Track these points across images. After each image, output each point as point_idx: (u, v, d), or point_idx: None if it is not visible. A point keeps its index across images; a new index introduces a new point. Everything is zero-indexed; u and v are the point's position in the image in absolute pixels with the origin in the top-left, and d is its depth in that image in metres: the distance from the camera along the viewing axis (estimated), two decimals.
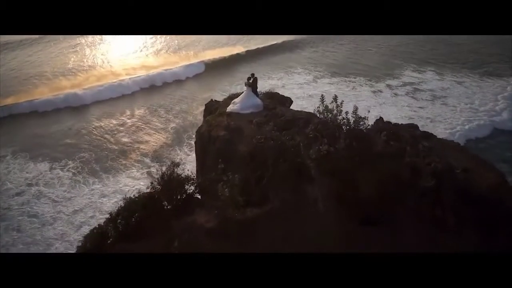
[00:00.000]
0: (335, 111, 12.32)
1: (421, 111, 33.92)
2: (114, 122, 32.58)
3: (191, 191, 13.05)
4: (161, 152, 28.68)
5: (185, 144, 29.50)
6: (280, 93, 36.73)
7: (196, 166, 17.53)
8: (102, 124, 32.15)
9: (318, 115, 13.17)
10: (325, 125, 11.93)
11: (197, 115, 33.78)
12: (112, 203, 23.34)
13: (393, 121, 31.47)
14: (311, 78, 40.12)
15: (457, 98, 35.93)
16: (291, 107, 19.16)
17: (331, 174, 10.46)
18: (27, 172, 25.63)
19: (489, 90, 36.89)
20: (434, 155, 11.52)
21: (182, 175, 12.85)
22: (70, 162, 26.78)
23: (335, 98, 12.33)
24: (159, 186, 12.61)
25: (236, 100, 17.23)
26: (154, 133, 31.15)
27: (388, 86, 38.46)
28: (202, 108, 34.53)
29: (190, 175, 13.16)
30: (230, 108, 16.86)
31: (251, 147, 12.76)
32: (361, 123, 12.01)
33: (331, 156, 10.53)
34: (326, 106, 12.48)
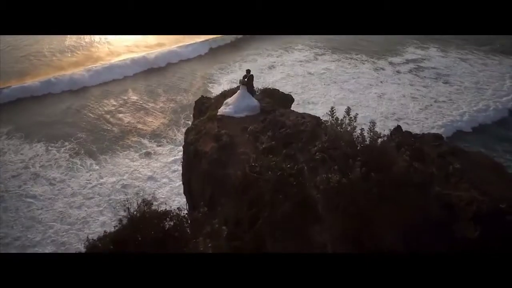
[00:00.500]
0: (348, 128, 10.02)
1: (424, 90, 33.28)
2: (112, 102, 32.03)
3: (170, 226, 10.26)
4: (159, 133, 28.32)
5: (182, 124, 29.10)
6: (280, 71, 36.46)
7: (183, 184, 15.74)
8: (99, 104, 31.58)
9: (325, 122, 11.19)
10: (334, 143, 9.63)
11: (197, 92, 33.29)
12: (110, 185, 23.27)
13: (396, 100, 31.61)
14: (312, 56, 39.23)
15: (462, 76, 35.18)
16: (292, 107, 17.54)
17: (343, 212, 8.33)
18: (22, 154, 25.34)
19: (496, 69, 36.07)
20: (467, 180, 9.46)
21: (160, 210, 10.42)
22: (66, 143, 26.45)
23: (348, 111, 10.23)
24: (128, 224, 10.17)
25: (229, 100, 15.28)
26: (153, 113, 30.71)
27: (391, 63, 37.63)
28: (202, 86, 34.36)
29: (169, 210, 10.55)
30: (222, 110, 14.88)
31: (244, 172, 10.40)
32: (379, 140, 9.91)
33: (343, 188, 8.38)
34: (337, 119, 10.27)
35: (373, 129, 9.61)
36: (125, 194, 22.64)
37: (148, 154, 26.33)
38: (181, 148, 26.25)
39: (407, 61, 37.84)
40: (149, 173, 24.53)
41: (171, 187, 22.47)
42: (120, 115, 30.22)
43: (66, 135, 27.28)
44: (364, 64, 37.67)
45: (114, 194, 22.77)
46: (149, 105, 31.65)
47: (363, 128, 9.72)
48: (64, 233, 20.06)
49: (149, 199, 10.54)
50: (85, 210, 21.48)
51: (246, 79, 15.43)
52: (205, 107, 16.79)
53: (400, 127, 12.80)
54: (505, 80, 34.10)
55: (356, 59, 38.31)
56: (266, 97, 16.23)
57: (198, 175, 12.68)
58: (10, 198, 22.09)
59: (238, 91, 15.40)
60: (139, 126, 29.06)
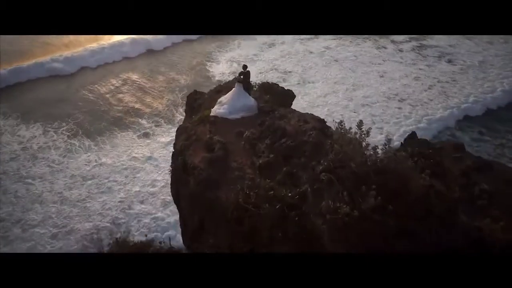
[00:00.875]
0: (359, 141, 8.41)
1: (427, 69, 32.72)
2: (111, 82, 31.48)
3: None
4: (157, 113, 27.97)
5: (180, 104, 28.77)
6: (280, 49, 35.73)
7: (172, 194, 14.38)
8: (97, 85, 30.99)
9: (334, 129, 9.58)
10: (342, 161, 8.15)
11: (195, 71, 32.80)
12: (109, 167, 23.06)
13: (398, 80, 31.06)
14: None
15: (466, 56, 34.50)
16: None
17: (353, 247, 6.99)
18: (19, 135, 25.01)
19: (501, 48, 35.35)
20: (496, 205, 8.17)
21: (139, 242, 9.39)
22: (64, 124, 26.12)
23: (360, 125, 8.67)
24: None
25: (223, 99, 13.93)
26: (151, 93, 30.30)
27: (393, 41, 36.91)
28: (201, 65, 33.74)
29: (151, 241, 9.44)
30: (216, 110, 13.57)
31: (237, 202, 8.90)
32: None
33: (354, 220, 7.04)
34: (345, 130, 8.71)
35: (389, 145, 8.26)
36: (125, 177, 22.60)
37: (146, 135, 26.07)
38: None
39: (410, 39, 37.10)
40: (148, 154, 24.29)
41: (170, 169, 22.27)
42: (119, 95, 29.78)
43: (63, 115, 26.90)
44: (365, 42, 36.96)
45: (113, 175, 22.60)
46: (147, 85, 31.18)
47: (376, 146, 8.31)
48: (65, 215, 19.91)
49: (123, 236, 9.28)
50: (85, 192, 21.33)
51: (242, 76, 13.95)
52: (197, 104, 15.56)
53: (415, 134, 11.10)
54: (511, 60, 33.46)
55: (358, 37, 37.54)
56: (264, 94, 14.88)
57: (187, 194, 11.21)
58: (9, 180, 21.89)
59: (233, 89, 14.03)
60: (137, 106, 28.69)
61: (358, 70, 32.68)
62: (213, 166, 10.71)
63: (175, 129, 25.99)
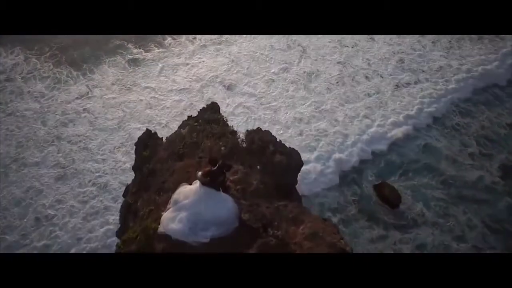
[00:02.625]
0: None
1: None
2: None
3: None
4: (145, 37, 25.99)
5: None
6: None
7: None
8: None
9: None
10: None
11: None
12: (101, 100, 22.09)
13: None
14: None
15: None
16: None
17: None
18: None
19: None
20: None
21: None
22: (47, 48, 24.07)
23: None
24: None
25: (181, 196, 8.41)
26: None
27: None
28: None
29: None
30: (168, 224, 8.09)
31: None
32: None
33: None
34: None
35: None
36: (122, 110, 21.58)
37: (135, 61, 24.64)
38: (171, 54, 24.37)
39: None
40: (143, 83, 23.22)
41: (170, 106, 21.50)
42: None
43: (44, 39, 24.58)
44: None
45: (109, 110, 21.65)
46: None
47: None
48: (65, 153, 19.50)
49: None
50: (81, 129, 20.64)
51: (208, 177, 8.11)
52: (147, 169, 9.95)
53: None
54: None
55: None
56: (254, 161, 9.36)
57: None
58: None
59: (196, 186, 8.36)
60: None
61: None
62: None
63: (166, 54, 24.57)
